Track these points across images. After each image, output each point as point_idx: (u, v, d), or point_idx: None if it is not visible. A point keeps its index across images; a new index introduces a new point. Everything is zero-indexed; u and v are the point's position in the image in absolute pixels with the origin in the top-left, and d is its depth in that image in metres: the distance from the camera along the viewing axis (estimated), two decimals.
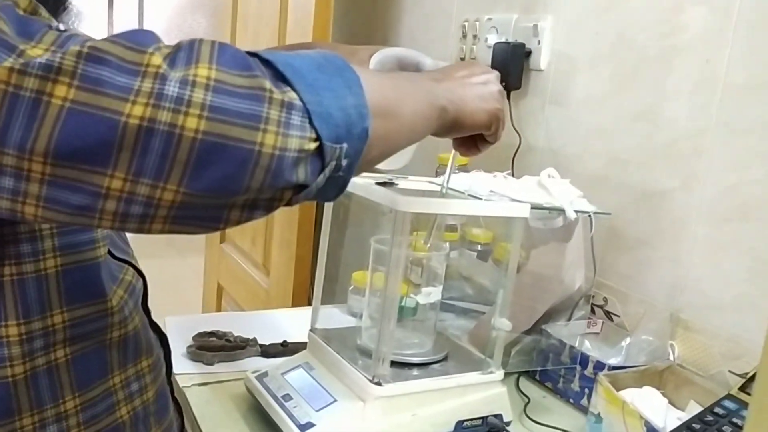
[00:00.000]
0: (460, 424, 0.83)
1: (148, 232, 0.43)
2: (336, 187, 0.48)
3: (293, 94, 0.43)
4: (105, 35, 0.41)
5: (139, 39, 0.41)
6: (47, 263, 0.52)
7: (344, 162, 0.46)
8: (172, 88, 0.39)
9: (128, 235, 0.59)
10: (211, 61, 0.41)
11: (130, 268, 0.63)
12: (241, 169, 0.41)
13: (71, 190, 0.40)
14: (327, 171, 0.46)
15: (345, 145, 0.46)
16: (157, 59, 0.40)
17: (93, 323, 0.56)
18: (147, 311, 0.66)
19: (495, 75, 0.69)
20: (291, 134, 0.42)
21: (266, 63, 0.44)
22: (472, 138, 0.70)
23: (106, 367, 0.57)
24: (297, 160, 0.43)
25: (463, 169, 1.17)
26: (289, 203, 0.47)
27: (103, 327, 0.57)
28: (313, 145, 0.44)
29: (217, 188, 0.42)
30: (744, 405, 0.81)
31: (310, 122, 0.43)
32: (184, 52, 0.41)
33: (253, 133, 0.41)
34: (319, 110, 0.44)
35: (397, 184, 0.83)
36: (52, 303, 0.53)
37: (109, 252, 0.60)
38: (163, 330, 1.08)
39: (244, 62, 0.42)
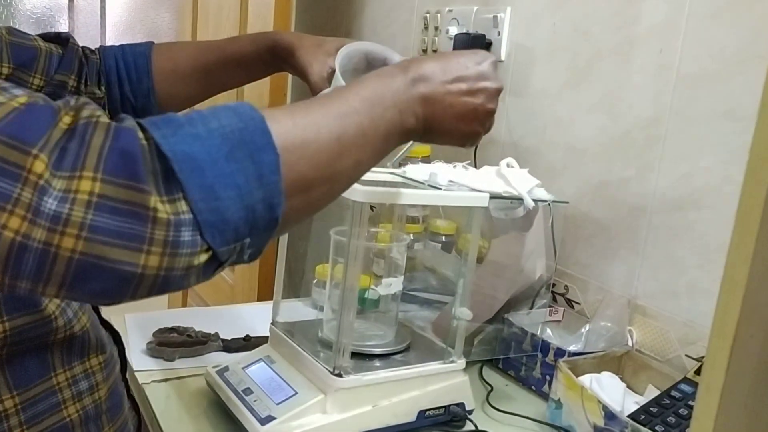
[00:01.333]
0: (422, 413, 0.83)
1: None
2: (244, 262, 0.46)
3: (182, 205, 0.39)
4: (66, 27, 0.39)
5: (26, 134, 0.38)
6: None
7: (248, 252, 0.44)
8: (50, 205, 0.37)
9: None
10: (97, 168, 0.38)
11: None
12: (123, 286, 0.39)
13: None
14: (226, 265, 0.44)
15: (247, 240, 0.43)
16: (39, 165, 0.37)
17: (35, 330, 0.54)
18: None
19: (496, 89, 0.62)
20: (178, 253, 0.39)
21: (161, 156, 0.40)
22: None
23: (47, 366, 0.56)
24: (187, 274, 0.41)
25: (425, 160, 1.18)
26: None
27: (46, 332, 0.55)
28: (204, 257, 0.41)
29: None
30: None
31: (201, 235, 0.40)
32: (76, 144, 0.38)
33: (135, 255, 0.38)
34: (212, 219, 0.40)
35: None
36: None
37: None
38: (124, 328, 1.06)
39: (133, 167, 0.38)
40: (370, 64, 0.82)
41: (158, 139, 0.40)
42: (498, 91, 0.62)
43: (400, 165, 1.12)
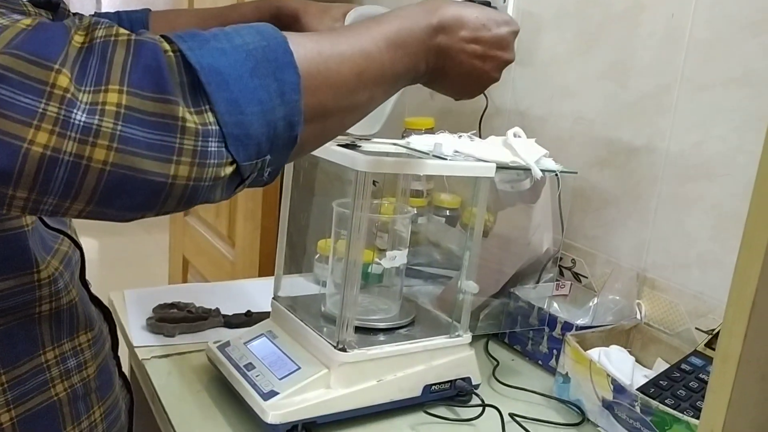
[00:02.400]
0: (427, 388, 0.82)
1: (65, 216, 0.42)
2: (261, 184, 0.47)
3: (209, 116, 0.40)
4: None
5: (44, 50, 0.37)
6: None
7: (267, 170, 0.45)
8: (80, 116, 0.37)
9: None
10: (123, 81, 0.38)
11: (66, 239, 0.59)
12: (153, 198, 0.40)
13: None
14: (247, 182, 0.45)
15: (268, 157, 0.44)
16: (63, 79, 0.37)
17: (18, 296, 0.52)
18: (86, 285, 0.62)
19: (506, 61, 0.62)
20: (207, 163, 0.40)
21: (188, 68, 0.40)
22: None
23: (36, 343, 0.54)
24: (212, 186, 0.42)
25: (429, 131, 1.15)
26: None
27: (30, 300, 0.53)
28: (229, 169, 0.42)
29: (128, 212, 0.40)
30: (710, 361, 0.81)
31: (227, 147, 0.41)
32: (96, 60, 0.38)
33: (165, 165, 0.39)
34: (236, 133, 0.41)
35: (360, 147, 0.81)
36: None
37: (42, 221, 0.56)
38: (123, 303, 1.05)
39: (158, 80, 0.39)
40: None
41: (185, 51, 0.40)
42: (508, 63, 0.63)
43: (403, 137, 1.10)
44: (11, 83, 0.36)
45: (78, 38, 0.38)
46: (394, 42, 0.52)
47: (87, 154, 0.37)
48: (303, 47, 0.45)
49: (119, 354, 0.67)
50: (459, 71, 0.59)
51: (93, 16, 0.83)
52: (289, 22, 0.82)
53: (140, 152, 0.38)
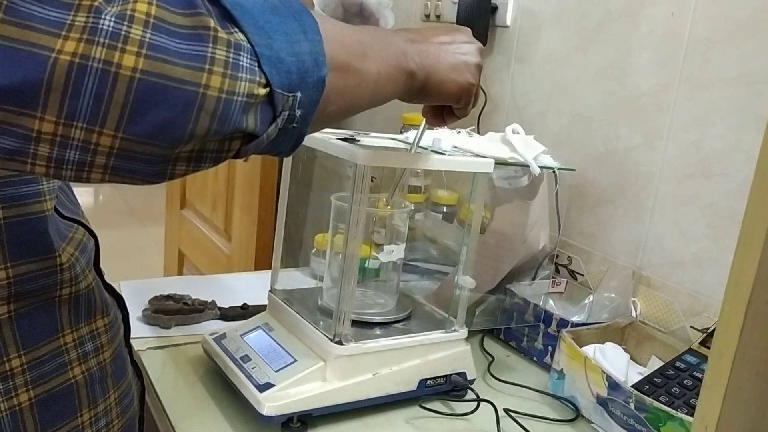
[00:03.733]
0: (423, 382, 0.82)
1: (87, 180, 0.40)
2: (290, 139, 0.46)
3: (241, 35, 0.40)
4: None
5: None
6: None
7: (298, 113, 0.44)
8: (107, 23, 0.36)
9: (87, 205, 0.56)
10: None
11: (80, 227, 0.60)
12: (185, 112, 0.38)
13: (0, 132, 0.36)
14: (279, 121, 0.43)
15: (299, 95, 0.43)
16: None
17: (40, 280, 0.53)
18: (100, 273, 0.63)
19: (477, 47, 0.66)
20: (239, 76, 0.39)
21: (213, 2, 0.40)
22: (440, 108, 0.69)
23: (55, 325, 0.54)
24: (246, 106, 0.40)
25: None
26: (238, 155, 0.44)
27: (52, 284, 0.54)
28: (263, 91, 0.41)
29: (159, 134, 0.38)
30: (704, 359, 0.82)
31: (260, 66, 0.40)
32: None
33: (197, 74, 0.38)
34: (268, 54, 0.41)
35: (359, 141, 0.81)
36: None
37: (57, 211, 0.56)
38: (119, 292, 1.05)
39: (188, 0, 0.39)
40: (346, 11, 0.80)
41: None
42: (480, 49, 0.66)
43: (401, 132, 1.10)
44: None
45: None
46: (378, 35, 0.55)
47: (116, 60, 0.36)
48: (310, 10, 0.46)
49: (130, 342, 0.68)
50: (445, 63, 0.61)
51: None
52: None
53: (171, 60, 0.37)
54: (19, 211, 0.51)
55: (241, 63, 0.39)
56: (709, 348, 0.81)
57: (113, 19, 0.36)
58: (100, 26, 0.35)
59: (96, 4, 0.36)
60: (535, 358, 0.98)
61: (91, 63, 0.35)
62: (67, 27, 0.35)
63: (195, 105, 0.38)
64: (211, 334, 0.86)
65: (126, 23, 0.36)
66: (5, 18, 0.34)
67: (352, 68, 0.49)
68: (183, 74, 0.37)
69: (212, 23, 0.39)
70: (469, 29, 0.68)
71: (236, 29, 0.40)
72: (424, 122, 0.74)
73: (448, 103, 0.65)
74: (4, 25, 0.34)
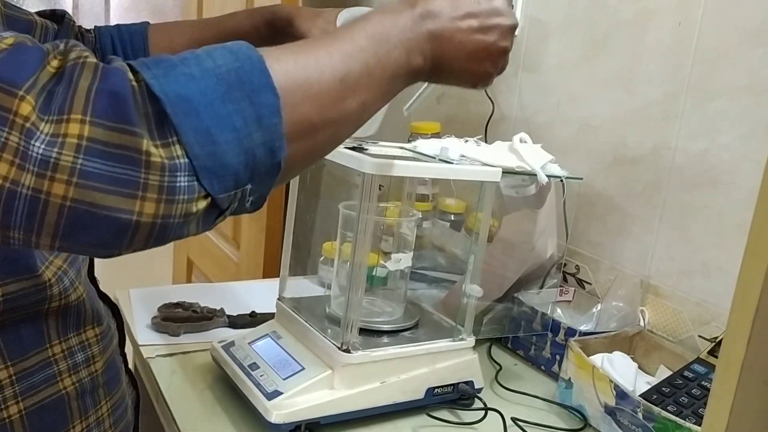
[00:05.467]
0: (430, 390, 0.82)
1: (37, 249, 0.41)
2: (249, 211, 0.44)
3: (178, 149, 0.37)
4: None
5: (12, 75, 0.36)
6: None
7: (250, 199, 0.42)
8: (37, 149, 0.35)
9: None
10: (86, 110, 0.36)
11: None
12: (119, 236, 0.37)
13: None
14: (228, 213, 0.42)
15: (249, 186, 0.41)
16: (26, 107, 0.35)
17: (30, 296, 0.53)
18: (94, 281, 0.63)
19: (510, 25, 0.57)
20: (175, 199, 0.37)
21: (152, 98, 0.37)
22: None
23: (43, 336, 0.54)
24: (185, 222, 0.39)
25: (435, 135, 1.15)
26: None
27: (41, 299, 0.53)
28: (203, 204, 0.39)
29: (95, 249, 0.38)
30: (713, 368, 0.81)
31: (198, 180, 0.38)
32: (63, 87, 0.36)
33: (129, 201, 0.36)
34: (209, 164, 0.38)
35: (367, 149, 0.81)
36: None
37: None
38: (128, 302, 1.06)
39: (123, 109, 0.36)
40: None
41: (149, 80, 0.38)
42: (512, 28, 0.58)
43: (409, 141, 1.10)
44: None
45: (54, 63, 0.37)
46: (377, 38, 0.49)
47: (45, 189, 0.35)
48: (278, 61, 0.42)
49: (124, 351, 0.68)
50: (463, 52, 0.54)
51: (94, 29, 0.85)
52: (283, 26, 0.83)
53: (102, 187, 0.36)
54: None
55: (177, 185, 0.37)
56: (717, 357, 0.80)
57: (44, 144, 0.35)
58: (30, 152, 0.35)
59: (28, 125, 0.35)
60: (542, 367, 0.98)
61: (21, 189, 0.35)
62: (0, 145, 0.35)
63: (129, 230, 0.37)
64: (219, 342, 0.87)
65: (56, 149, 0.35)
66: None
67: (323, 123, 0.45)
68: (114, 202, 0.36)
69: (144, 145, 0.36)
70: None
71: (174, 138, 0.37)
72: (426, 85, 0.70)
73: (462, 87, 0.60)
74: None
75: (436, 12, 0.53)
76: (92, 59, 0.38)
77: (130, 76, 0.38)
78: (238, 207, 0.42)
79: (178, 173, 0.37)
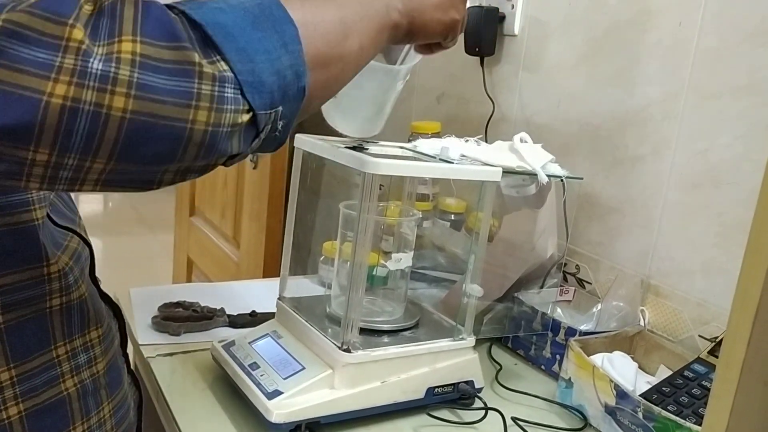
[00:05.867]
0: (431, 390, 0.82)
1: (78, 191, 0.42)
2: (273, 144, 0.48)
3: (224, 65, 0.41)
4: None
5: (58, 7, 0.37)
6: None
7: (280, 123, 0.46)
8: (96, 65, 0.37)
9: (96, 212, 0.56)
10: (135, 32, 0.38)
11: (75, 237, 0.59)
12: (174, 146, 0.40)
13: None
14: (262, 135, 0.45)
15: (280, 108, 0.45)
16: (78, 32, 0.37)
17: (29, 290, 0.52)
18: (95, 281, 0.63)
19: None
20: (224, 108, 0.41)
21: (194, 25, 0.41)
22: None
23: (48, 338, 0.54)
24: (230, 133, 0.42)
25: (435, 135, 1.16)
26: (225, 165, 0.46)
27: (40, 294, 0.53)
28: (246, 117, 0.42)
29: (149, 163, 0.40)
30: (713, 368, 0.81)
31: (242, 94, 0.42)
32: (107, 18, 0.38)
33: (184, 111, 0.39)
34: (251, 80, 0.42)
35: (367, 149, 0.81)
36: None
37: (51, 219, 0.56)
38: (129, 302, 1.06)
39: (171, 30, 0.39)
40: None
41: (188, 11, 0.41)
42: None
43: (409, 141, 1.10)
44: (28, 39, 0.36)
45: (87, 7, 0.39)
46: None
47: (107, 103, 0.37)
48: (288, 3, 0.47)
49: (126, 352, 0.68)
50: (429, 4, 0.62)
51: None
52: None
53: (159, 98, 0.38)
54: (6, 220, 0.51)
55: (225, 95, 0.41)
56: (717, 357, 0.80)
57: (101, 61, 0.37)
58: (89, 69, 0.37)
59: (83, 46, 0.37)
60: (543, 367, 0.98)
61: (83, 106, 0.37)
62: (56, 69, 0.36)
63: (184, 139, 0.40)
64: (220, 342, 0.87)
65: (114, 65, 0.37)
66: None
67: (333, 58, 0.50)
68: (171, 111, 0.39)
69: (196, 57, 0.40)
70: None
71: (218, 57, 0.41)
72: (411, 47, 0.75)
73: (435, 41, 0.67)
74: None
75: None
76: None
77: (167, 10, 0.41)
78: (271, 131, 0.45)
79: (226, 84, 0.41)
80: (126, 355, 0.66)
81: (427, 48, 0.71)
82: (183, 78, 0.39)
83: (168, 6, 0.42)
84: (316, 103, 0.51)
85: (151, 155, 0.40)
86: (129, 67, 0.37)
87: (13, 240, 0.51)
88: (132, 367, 0.71)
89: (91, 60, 0.37)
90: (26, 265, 0.52)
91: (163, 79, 0.38)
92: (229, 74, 0.41)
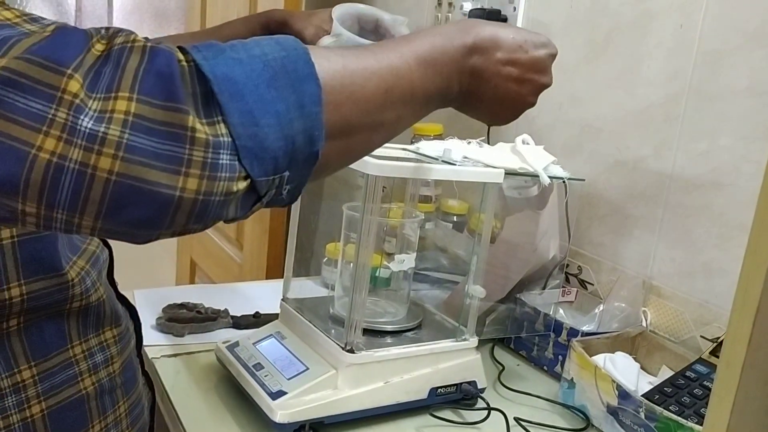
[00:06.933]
0: (433, 390, 0.83)
1: (78, 234, 0.41)
2: (280, 204, 0.45)
3: (222, 128, 0.38)
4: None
5: (59, 55, 0.37)
6: (2, 234, 0.50)
7: (286, 188, 0.43)
8: (86, 123, 0.36)
9: None
10: (133, 88, 0.37)
11: (95, 238, 0.61)
12: (161, 212, 0.38)
13: None
14: (265, 200, 0.43)
15: (286, 174, 0.42)
16: (74, 85, 0.36)
17: (53, 296, 0.54)
18: (113, 283, 0.64)
19: (542, 84, 0.59)
20: (217, 176, 0.38)
21: (202, 79, 0.39)
22: None
23: (65, 336, 0.55)
24: (225, 202, 0.40)
25: (437, 137, 1.16)
26: (225, 222, 0.44)
27: (63, 299, 0.55)
28: (243, 185, 0.40)
29: (136, 228, 0.39)
30: (714, 368, 0.82)
31: (239, 160, 0.39)
32: (110, 68, 0.37)
33: (173, 177, 0.37)
34: (250, 146, 0.39)
35: None
36: (9, 275, 0.51)
37: None
38: (133, 303, 1.06)
39: (170, 88, 0.38)
40: (362, 28, 0.81)
41: (199, 61, 0.39)
42: (545, 87, 0.60)
43: (412, 142, 1.11)
44: (23, 88, 0.35)
45: (99, 47, 0.38)
46: (425, 60, 0.50)
47: (92, 163, 0.36)
48: (327, 60, 0.43)
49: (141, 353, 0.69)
50: (494, 95, 0.56)
51: None
52: (278, 27, 0.85)
53: (147, 162, 0.37)
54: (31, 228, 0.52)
55: (220, 162, 0.38)
56: (718, 357, 0.81)
57: (92, 120, 0.36)
58: (78, 127, 0.36)
59: (77, 101, 0.36)
60: (545, 368, 0.99)
61: (68, 163, 0.36)
62: (48, 122, 0.36)
63: (171, 206, 0.38)
64: (224, 342, 0.88)
65: (105, 125, 0.36)
66: None
67: (361, 127, 0.46)
68: (159, 177, 0.37)
69: (190, 122, 0.37)
70: (554, 54, 0.61)
71: (219, 118, 0.39)
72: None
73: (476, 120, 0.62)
74: None
75: (484, 49, 0.54)
76: (141, 42, 0.39)
77: (180, 56, 0.39)
78: (275, 195, 0.43)
79: (221, 150, 0.38)
80: (140, 356, 0.67)
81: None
82: (173, 142, 0.37)
83: (183, 49, 0.40)
84: (334, 168, 0.47)
85: (137, 219, 0.38)
86: (120, 127, 0.36)
87: (37, 248, 0.52)
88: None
89: (82, 117, 0.36)
90: (51, 273, 0.53)
91: (154, 142, 0.37)
92: (227, 139, 0.38)
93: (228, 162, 0.39)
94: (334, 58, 0.44)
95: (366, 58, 0.47)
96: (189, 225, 0.40)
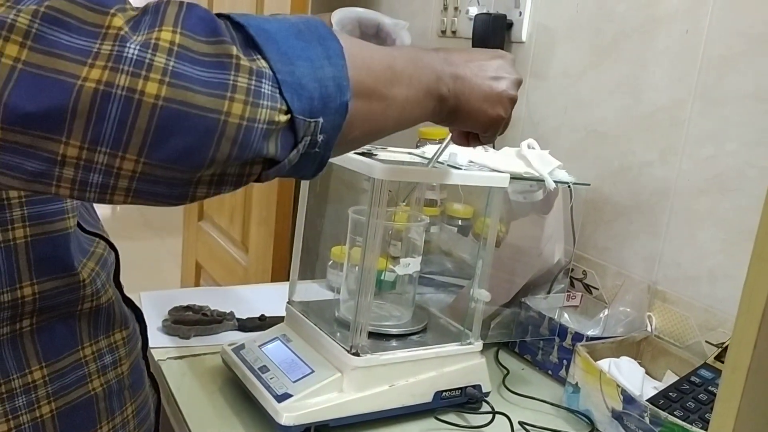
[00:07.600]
0: (438, 394, 0.83)
1: (110, 202, 0.41)
2: (312, 164, 0.46)
3: (263, 62, 0.40)
4: None
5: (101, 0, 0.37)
6: (16, 233, 0.51)
7: (320, 138, 0.44)
8: (132, 51, 0.36)
9: (104, 217, 0.58)
10: (176, 24, 0.38)
11: (102, 242, 0.61)
12: (206, 139, 0.38)
13: (25, 155, 0.37)
14: (301, 146, 0.43)
15: (321, 120, 0.43)
16: (118, 20, 0.37)
17: (64, 296, 0.54)
18: (119, 286, 0.64)
19: (516, 79, 0.64)
20: (260, 103, 0.40)
21: (237, 27, 0.41)
22: (467, 131, 0.68)
23: (75, 338, 0.56)
24: (267, 132, 0.40)
25: (443, 141, 1.16)
26: (259, 179, 0.44)
27: (74, 299, 0.55)
28: (283, 118, 0.41)
29: (181, 159, 0.39)
30: (719, 374, 0.82)
31: (281, 93, 0.41)
32: (150, 15, 0.38)
33: (218, 102, 0.38)
34: (290, 80, 0.41)
35: (376, 155, 0.82)
36: (22, 275, 0.51)
37: (79, 225, 0.58)
38: (139, 305, 1.07)
39: (212, 26, 0.39)
40: (363, 32, 0.82)
41: (233, 16, 0.42)
42: (519, 82, 0.65)
43: (417, 146, 1.11)
44: (69, 27, 0.36)
45: (131, 12, 0.39)
46: (413, 59, 0.54)
47: (139, 88, 0.36)
48: (338, 34, 0.46)
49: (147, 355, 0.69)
50: (479, 93, 0.60)
51: None
52: None
53: (193, 87, 0.37)
54: (45, 228, 0.52)
55: (262, 90, 0.40)
56: (723, 363, 0.81)
57: (138, 47, 0.37)
58: (124, 54, 0.36)
59: (122, 33, 0.37)
60: (550, 372, 0.99)
61: (115, 90, 0.36)
62: (93, 55, 0.36)
63: (216, 132, 0.38)
64: (229, 345, 0.88)
65: (150, 51, 0.37)
66: (34, 46, 0.35)
67: (377, 94, 0.49)
68: (205, 102, 0.38)
69: (234, 51, 0.39)
70: (513, 57, 0.67)
71: (259, 56, 0.40)
72: (449, 138, 0.74)
73: (475, 131, 0.65)
74: (32, 53, 0.35)
75: (454, 61, 0.59)
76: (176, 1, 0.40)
77: (211, 12, 0.41)
78: (310, 144, 0.44)
79: (264, 80, 0.40)
80: (146, 358, 0.67)
81: (465, 138, 0.69)
82: (219, 70, 0.38)
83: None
84: (357, 134, 0.49)
85: (182, 149, 0.38)
86: (165, 55, 0.37)
87: (50, 248, 0.53)
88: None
89: (128, 45, 0.36)
90: (63, 273, 0.54)
91: (199, 70, 0.38)
92: (268, 72, 0.40)
93: (270, 92, 0.40)
94: (341, 36, 0.47)
95: (367, 44, 0.50)
96: (231, 159, 0.40)
